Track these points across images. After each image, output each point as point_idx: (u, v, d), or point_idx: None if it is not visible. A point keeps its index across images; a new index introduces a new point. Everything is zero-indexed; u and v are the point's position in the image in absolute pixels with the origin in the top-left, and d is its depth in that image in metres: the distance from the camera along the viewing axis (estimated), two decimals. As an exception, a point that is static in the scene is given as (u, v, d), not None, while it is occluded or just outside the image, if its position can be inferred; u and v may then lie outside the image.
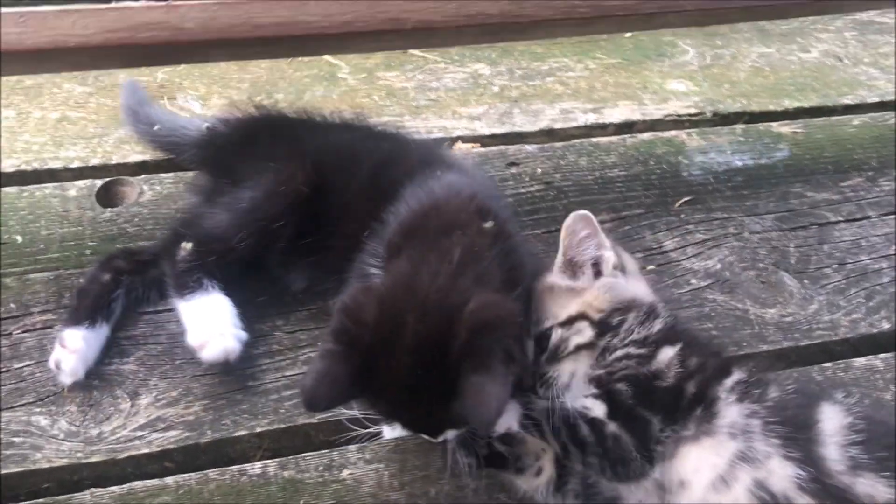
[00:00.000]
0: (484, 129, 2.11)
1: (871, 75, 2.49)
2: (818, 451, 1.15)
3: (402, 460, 1.37)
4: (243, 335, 1.45)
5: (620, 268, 1.36)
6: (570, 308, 1.31)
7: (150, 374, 1.46)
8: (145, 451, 1.35)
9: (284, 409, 1.43)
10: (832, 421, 1.19)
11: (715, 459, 1.18)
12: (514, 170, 1.97)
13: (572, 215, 1.34)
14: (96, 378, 1.43)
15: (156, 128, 1.80)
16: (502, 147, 2.04)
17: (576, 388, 1.29)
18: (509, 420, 1.31)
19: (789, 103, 2.32)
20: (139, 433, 1.37)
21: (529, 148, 2.04)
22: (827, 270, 1.81)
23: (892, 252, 1.87)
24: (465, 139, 2.06)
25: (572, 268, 1.34)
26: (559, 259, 1.35)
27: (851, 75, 2.48)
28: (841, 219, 1.94)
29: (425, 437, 1.27)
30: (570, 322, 1.30)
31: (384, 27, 1.65)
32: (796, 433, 1.17)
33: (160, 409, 1.41)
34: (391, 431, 1.36)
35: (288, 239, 1.51)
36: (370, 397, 1.22)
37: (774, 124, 2.23)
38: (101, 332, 1.48)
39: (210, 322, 1.43)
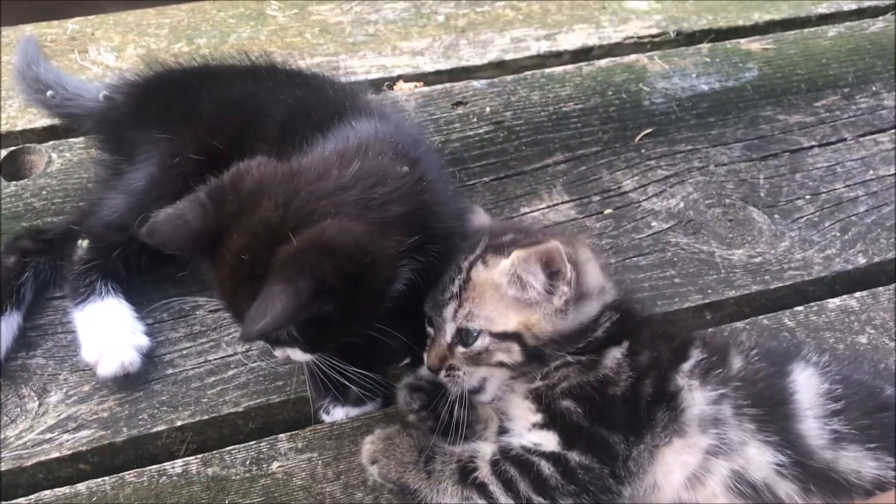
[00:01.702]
0: (427, 65, 1.94)
1: (848, -21, 2.31)
2: (796, 427, 1.06)
3: (337, 447, 1.26)
4: (144, 343, 1.33)
5: (577, 297, 1.16)
6: (509, 321, 1.15)
7: (60, 367, 1.34)
8: (55, 455, 1.24)
9: (208, 399, 1.32)
10: (807, 389, 1.09)
11: (686, 458, 1.08)
12: (460, 110, 1.82)
13: (525, 252, 1.13)
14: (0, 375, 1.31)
15: (48, 94, 1.63)
16: (448, 85, 1.88)
17: (489, 391, 1.19)
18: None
19: (759, 16, 2.14)
20: (48, 435, 1.26)
21: (477, 84, 1.88)
22: (799, 202, 1.68)
23: (870, 177, 1.73)
24: (406, 78, 1.89)
25: (520, 281, 1.15)
26: (506, 267, 1.15)
27: (827, -20, 2.29)
28: (815, 143, 1.80)
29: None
30: (503, 337, 1.15)
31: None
32: (770, 412, 1.07)
33: (71, 406, 1.29)
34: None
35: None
36: (202, 260, 1.16)
37: (743, 41, 2.06)
38: (12, 320, 1.36)
39: (104, 334, 1.31)
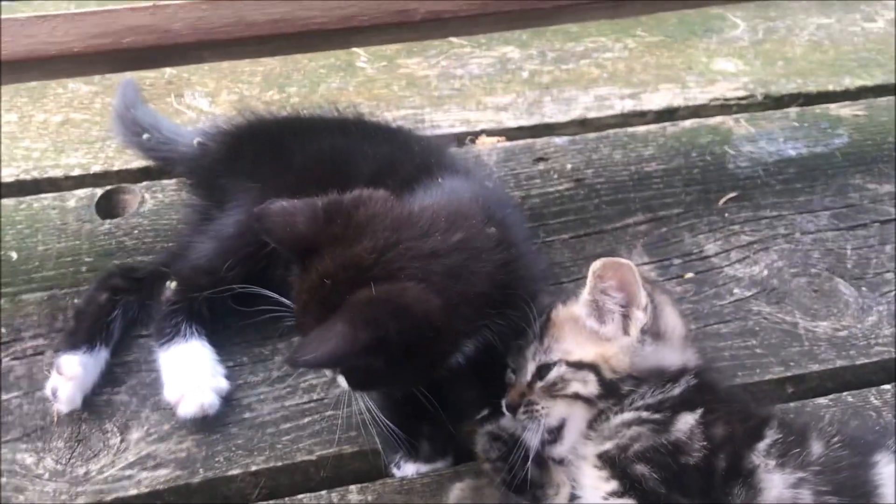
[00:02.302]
0: (510, 120, 1.95)
1: (944, 46, 2.25)
2: None
3: (406, 502, 1.26)
4: (224, 386, 1.36)
5: (654, 332, 1.17)
6: (586, 352, 1.16)
7: (142, 404, 1.37)
8: (133, 492, 1.27)
9: (282, 445, 1.33)
10: (893, 483, 1.04)
11: None
12: (541, 166, 1.82)
13: (602, 261, 1.16)
14: (85, 409, 1.35)
15: (144, 137, 1.70)
16: (529, 140, 1.89)
17: (567, 439, 1.17)
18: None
19: (850, 82, 2.10)
20: (128, 472, 1.29)
21: (559, 141, 1.88)
22: (888, 276, 1.63)
23: (964, 253, 1.67)
24: (489, 133, 1.91)
25: (598, 310, 1.18)
26: (584, 296, 1.19)
27: (922, 46, 2.24)
28: (906, 214, 1.75)
29: None
30: (579, 366, 1.16)
31: (391, 20, 1.52)
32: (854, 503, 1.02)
33: (151, 444, 1.32)
34: None
35: (283, 263, 1.40)
36: (296, 264, 1.18)
37: (833, 106, 2.02)
38: (100, 356, 1.40)
39: (186, 375, 1.34)
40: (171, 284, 1.40)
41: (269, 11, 1.44)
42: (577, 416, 1.17)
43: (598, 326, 1.18)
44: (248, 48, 1.48)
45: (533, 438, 1.17)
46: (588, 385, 1.16)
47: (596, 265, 1.17)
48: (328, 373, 1.22)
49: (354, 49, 2.12)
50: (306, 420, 1.36)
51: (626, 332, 1.17)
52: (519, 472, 1.18)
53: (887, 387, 1.44)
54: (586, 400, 1.16)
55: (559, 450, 1.19)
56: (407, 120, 1.88)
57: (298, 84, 2.03)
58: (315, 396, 1.39)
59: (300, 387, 1.41)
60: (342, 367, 1.13)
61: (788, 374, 1.46)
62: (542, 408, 1.17)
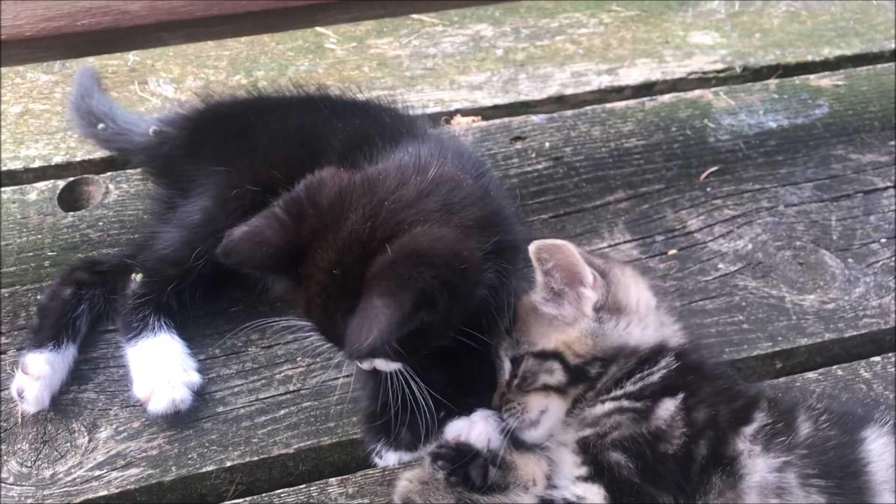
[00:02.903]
0: (485, 99, 1.90)
1: (922, 13, 2.23)
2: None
3: (389, 493, 1.21)
4: (196, 380, 1.31)
5: (612, 308, 1.13)
6: (549, 340, 1.13)
7: (111, 402, 1.32)
8: (103, 493, 1.22)
9: (258, 439, 1.28)
10: (882, 459, 1.01)
11: None
12: (518, 145, 1.78)
13: (536, 244, 1.12)
14: (51, 409, 1.30)
15: (99, 127, 1.63)
16: (506, 119, 1.84)
17: (543, 426, 1.14)
18: (486, 432, 1.18)
19: (829, 52, 2.07)
20: (97, 473, 1.24)
21: (536, 119, 1.84)
22: (874, 246, 1.60)
23: (950, 221, 1.65)
24: (464, 112, 1.86)
25: (553, 294, 1.15)
26: (538, 278, 1.16)
27: (900, 14, 2.21)
28: (889, 184, 1.72)
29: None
30: (543, 356, 1.13)
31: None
32: (842, 484, 0.99)
33: (120, 443, 1.27)
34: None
35: None
36: (288, 278, 1.14)
37: (812, 77, 1.99)
38: (68, 353, 1.35)
39: (156, 370, 1.28)
40: (137, 277, 1.34)
41: (231, -11, 1.38)
42: (554, 407, 1.14)
43: (557, 311, 1.15)
44: (210, 28, 1.42)
45: (520, 434, 1.15)
46: (554, 374, 1.13)
47: (531, 248, 1.13)
48: (366, 364, 1.15)
49: (323, 30, 2.06)
50: (283, 412, 1.31)
51: (583, 313, 1.13)
52: (477, 481, 1.14)
53: (876, 359, 1.41)
54: (557, 390, 1.13)
55: (536, 432, 1.16)
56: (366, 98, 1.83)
57: (266, 68, 1.96)
58: (291, 388, 1.34)
59: (275, 378, 1.36)
60: (398, 339, 1.05)
61: (776, 349, 1.43)
62: (518, 405, 1.14)
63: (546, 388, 1.12)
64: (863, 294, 1.51)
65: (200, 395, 1.32)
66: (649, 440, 1.04)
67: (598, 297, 1.13)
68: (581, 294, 1.13)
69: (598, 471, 1.05)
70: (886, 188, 1.71)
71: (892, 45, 2.10)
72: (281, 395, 1.34)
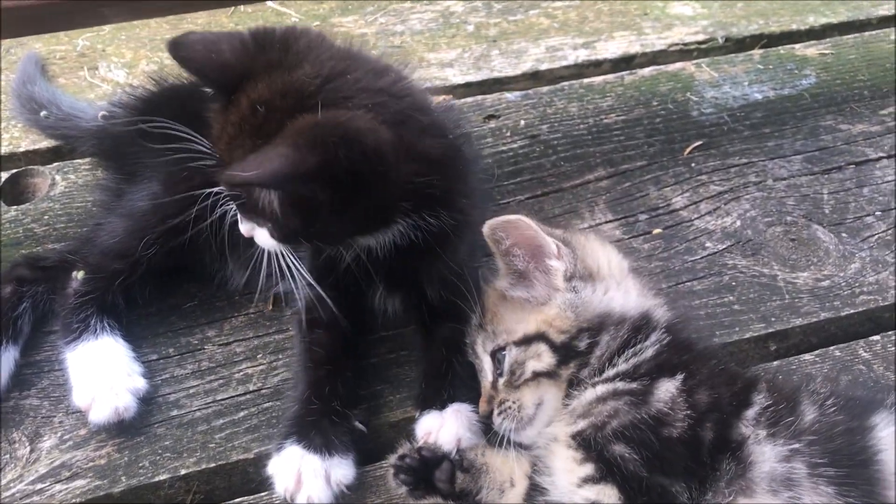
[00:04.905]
0: (457, 77, 1.81)
1: (908, -21, 2.14)
2: (883, 495, 0.90)
3: (357, 500, 1.12)
4: (141, 386, 1.20)
5: (583, 274, 1.06)
6: (528, 324, 1.05)
7: (55, 408, 1.22)
8: (46, 508, 1.12)
9: (216, 444, 1.18)
10: (893, 447, 0.92)
11: None
12: (492, 124, 1.68)
13: (489, 224, 1.06)
14: (-10, 417, 1.20)
15: (42, 114, 1.53)
16: (479, 97, 1.75)
17: (539, 421, 1.05)
18: (456, 431, 1.10)
19: (814, 20, 1.99)
20: (39, 486, 1.13)
21: (510, 96, 1.74)
22: (869, 219, 1.52)
23: (946, 190, 1.57)
24: (435, 91, 1.75)
25: (518, 276, 1.07)
26: (499, 263, 1.09)
27: (887, -20, 2.13)
28: (882, 154, 1.65)
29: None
30: (526, 341, 1.04)
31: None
32: (852, 474, 0.90)
33: (65, 452, 1.17)
34: None
35: (213, 229, 1.25)
36: (218, 96, 1.08)
37: (798, 46, 1.91)
38: (9, 356, 1.25)
39: (97, 376, 1.18)
40: (78, 274, 1.24)
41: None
42: (549, 397, 1.05)
43: (527, 293, 1.07)
44: (157, 2, 1.32)
45: (515, 435, 1.06)
46: (543, 357, 1.04)
47: (485, 230, 1.06)
48: (245, 227, 1.09)
49: (284, 9, 1.96)
50: (242, 414, 1.22)
51: (555, 287, 1.06)
52: (443, 488, 1.06)
53: (875, 338, 1.33)
54: (549, 374, 1.03)
55: (531, 433, 1.06)
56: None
57: (224, 49, 1.86)
58: (251, 388, 1.25)
59: (234, 378, 1.26)
60: (281, 201, 1.00)
61: (770, 330, 1.34)
62: (514, 402, 1.05)
63: (537, 377, 1.03)
64: (859, 270, 1.43)
65: (152, 398, 1.22)
66: (652, 425, 0.96)
67: (567, 265, 1.05)
68: (548, 267, 1.05)
69: (608, 469, 0.95)
70: (879, 159, 1.63)
71: (880, 12, 2.01)
72: (240, 395, 1.24)
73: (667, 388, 0.99)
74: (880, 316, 1.38)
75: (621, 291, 1.07)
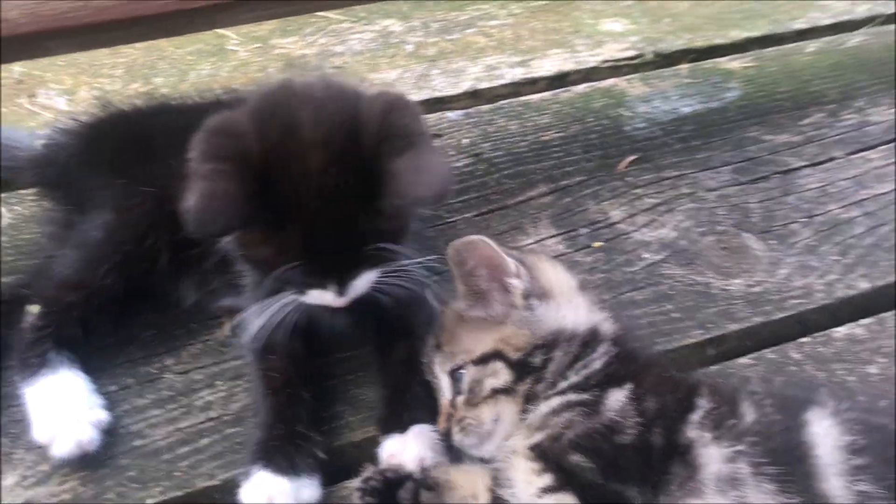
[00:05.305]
0: (399, 97, 1.85)
1: (821, -6, 2.27)
2: (819, 488, 0.96)
3: (327, 519, 1.16)
4: (103, 418, 1.20)
5: (538, 293, 1.11)
6: (485, 343, 1.09)
7: (15, 444, 1.21)
8: (10, 548, 1.12)
9: (181, 472, 1.19)
10: (826, 443, 1.00)
11: None
12: (436, 143, 1.73)
13: (453, 246, 1.09)
14: (-53, 458, 1.19)
15: None
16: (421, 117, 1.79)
17: (497, 436, 1.09)
18: (419, 451, 1.13)
19: (737, 34, 2.09)
20: (2, 525, 1.14)
21: (452, 115, 1.80)
22: (794, 226, 1.61)
23: (864, 196, 1.67)
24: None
25: (476, 296, 1.11)
26: (458, 285, 1.12)
27: (801, -5, 2.26)
28: (805, 163, 1.74)
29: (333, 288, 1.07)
30: (483, 360, 1.08)
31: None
32: (791, 470, 0.97)
33: (28, 489, 1.16)
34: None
35: (169, 253, 1.27)
36: (275, 214, 1.00)
37: (722, 60, 2.01)
38: None
39: (58, 411, 1.18)
40: (33, 309, 1.24)
41: (120, -8, 1.29)
42: (505, 413, 1.09)
43: (485, 312, 1.12)
44: (101, 35, 1.33)
45: (475, 451, 1.10)
46: (500, 375, 1.08)
47: (449, 252, 1.10)
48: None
49: (224, 31, 1.97)
50: (205, 441, 1.23)
51: (512, 305, 1.11)
52: None
53: (805, 339, 1.41)
54: (506, 391, 1.08)
55: (489, 447, 1.10)
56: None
57: (165, 74, 1.87)
58: (213, 415, 1.26)
59: (195, 405, 1.27)
60: None
61: (708, 336, 1.41)
62: (472, 419, 1.09)
63: (495, 394, 1.08)
64: (787, 275, 1.52)
65: (115, 429, 1.22)
66: (605, 433, 1.01)
67: (525, 284, 1.10)
68: (508, 285, 1.10)
69: (566, 478, 1.00)
70: (801, 167, 1.73)
71: (796, 26, 2.13)
72: (202, 423, 1.25)
73: (616, 398, 1.05)
74: (808, 318, 1.47)
75: (572, 308, 1.13)
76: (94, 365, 1.28)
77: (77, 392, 1.21)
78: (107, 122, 1.40)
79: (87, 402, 1.20)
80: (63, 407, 1.18)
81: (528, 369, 1.08)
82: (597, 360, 1.09)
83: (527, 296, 1.10)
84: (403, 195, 0.98)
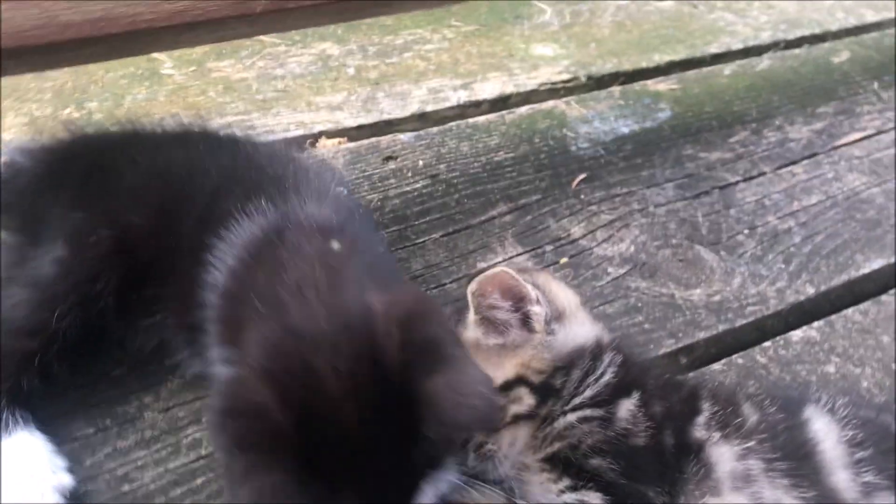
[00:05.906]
0: (348, 119, 1.83)
1: (728, 20, 2.42)
2: (828, 481, 1.01)
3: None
4: (67, 483, 1.09)
5: (556, 316, 1.12)
6: (506, 370, 1.08)
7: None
8: None
9: (178, 515, 1.13)
10: (828, 438, 1.05)
11: None
12: (392, 165, 1.72)
13: (478, 281, 1.09)
14: None
15: None
16: (373, 140, 1.77)
17: (510, 459, 1.08)
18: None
19: (660, 58, 2.19)
20: (-16, 587, 1.03)
21: (404, 137, 1.79)
22: (740, 237, 1.69)
23: (796, 208, 1.78)
24: (329, 134, 1.77)
25: (494, 324, 1.11)
26: (473, 318, 1.12)
27: (710, 21, 2.39)
28: (739, 178, 1.84)
29: None
30: (507, 387, 1.07)
31: (227, 13, 1.34)
32: (801, 465, 1.02)
33: (10, 548, 1.07)
34: None
35: (122, 296, 1.18)
36: (329, 482, 0.89)
37: (650, 82, 2.09)
38: None
39: (17, 479, 1.05)
40: None
41: (87, 10, 1.22)
42: (522, 434, 1.09)
43: (503, 339, 1.11)
44: (62, 54, 1.25)
45: (490, 475, 1.09)
46: (524, 400, 1.08)
47: (472, 287, 1.09)
48: None
49: (156, 55, 1.89)
50: (200, 481, 1.16)
51: (531, 330, 1.11)
52: None
53: (767, 343, 1.49)
54: (527, 417, 1.08)
55: (501, 472, 1.10)
56: (234, 127, 1.70)
57: (99, 98, 1.77)
58: (203, 452, 1.19)
59: (182, 443, 1.20)
60: None
61: (679, 345, 1.46)
62: (492, 443, 1.08)
63: (517, 420, 1.07)
64: (741, 283, 1.59)
65: (98, 474, 1.14)
66: (621, 438, 1.03)
67: (546, 309, 1.10)
68: (529, 313, 1.10)
69: (590, 478, 1.01)
70: (737, 182, 1.83)
71: (711, 50, 2.25)
72: (193, 461, 1.18)
73: (626, 408, 1.07)
74: (765, 324, 1.54)
75: (579, 324, 1.14)
76: (63, 408, 1.19)
77: (36, 456, 1.09)
78: (72, 149, 1.30)
79: (49, 466, 1.09)
80: (23, 474, 1.06)
81: (551, 392, 1.08)
82: (608, 372, 1.10)
83: (548, 321, 1.10)
84: (446, 422, 0.89)
